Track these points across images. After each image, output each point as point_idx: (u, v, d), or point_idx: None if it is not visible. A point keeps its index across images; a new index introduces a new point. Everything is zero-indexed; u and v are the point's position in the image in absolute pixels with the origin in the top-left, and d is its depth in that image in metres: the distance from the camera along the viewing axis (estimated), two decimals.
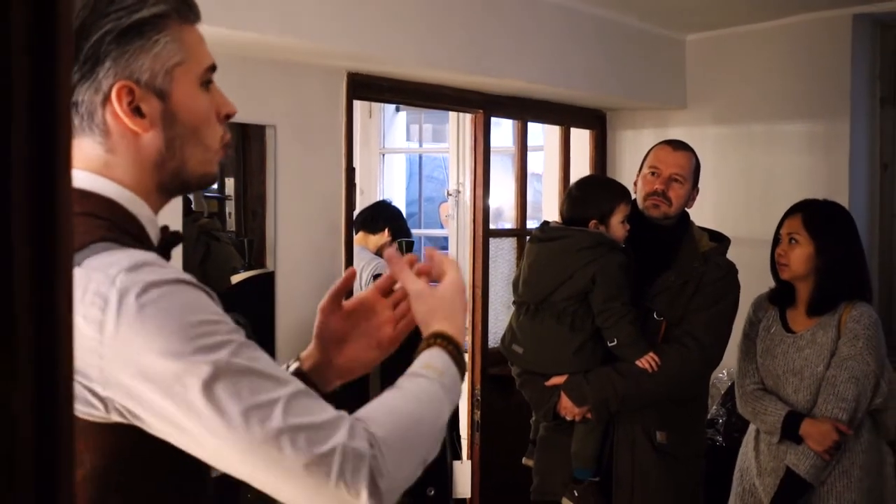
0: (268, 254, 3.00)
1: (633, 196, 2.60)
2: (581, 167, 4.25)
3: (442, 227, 6.09)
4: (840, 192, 3.51)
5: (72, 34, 0.39)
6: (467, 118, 4.05)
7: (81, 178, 0.96)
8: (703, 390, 2.75)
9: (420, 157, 6.87)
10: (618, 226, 2.49)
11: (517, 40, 3.38)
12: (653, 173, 2.57)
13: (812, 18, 3.69)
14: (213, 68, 1.05)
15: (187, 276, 0.90)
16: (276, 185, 2.97)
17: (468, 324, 3.71)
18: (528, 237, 2.74)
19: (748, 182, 3.96)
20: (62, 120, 0.37)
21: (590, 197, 2.52)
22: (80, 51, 0.94)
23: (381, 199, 5.09)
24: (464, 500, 3.68)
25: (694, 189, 2.61)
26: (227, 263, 3.03)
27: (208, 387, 0.83)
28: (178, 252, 1.69)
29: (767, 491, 2.57)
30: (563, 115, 4.18)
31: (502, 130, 5.73)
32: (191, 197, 2.92)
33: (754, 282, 2.75)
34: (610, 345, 2.43)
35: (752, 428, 2.71)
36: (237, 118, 1.13)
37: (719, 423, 3.50)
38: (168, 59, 0.98)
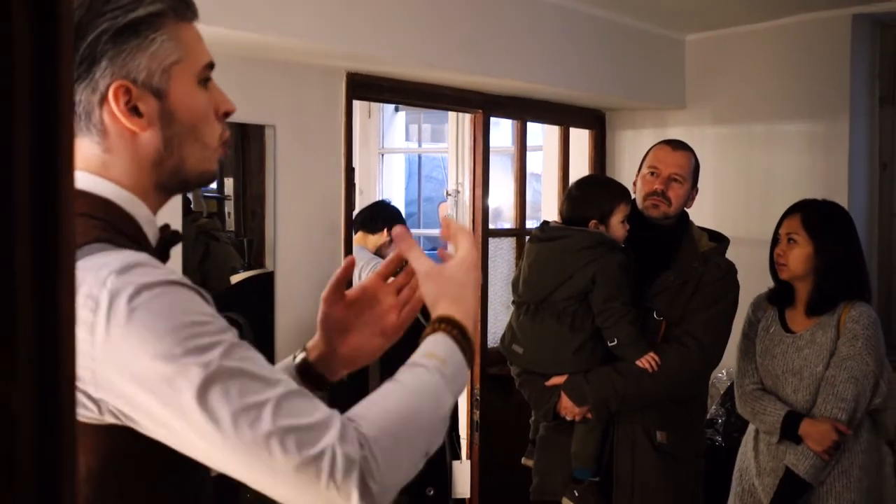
0: (267, 254, 3.00)
1: (633, 196, 2.60)
2: (580, 167, 4.25)
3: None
4: (839, 191, 3.51)
5: (72, 34, 0.39)
6: (466, 118, 4.05)
7: (78, 178, 0.96)
8: (702, 390, 2.75)
9: (419, 157, 6.87)
10: (618, 226, 2.49)
11: (516, 40, 3.38)
12: (652, 173, 2.57)
13: (811, 18, 3.69)
14: (211, 66, 1.04)
15: (179, 277, 0.89)
16: (275, 185, 2.97)
17: None
18: (527, 237, 2.74)
19: (747, 182, 3.96)
20: (64, 119, 0.37)
21: (590, 197, 2.52)
22: (77, 51, 0.93)
23: (381, 199, 5.09)
24: (463, 499, 3.68)
25: (693, 189, 2.61)
26: (226, 263, 3.03)
27: (198, 389, 0.83)
28: (177, 252, 1.69)
29: (767, 491, 2.57)
30: (563, 115, 4.18)
31: (501, 130, 5.72)
32: (190, 197, 2.92)
33: (753, 282, 2.75)
34: (610, 345, 2.43)
35: (751, 428, 2.71)
36: (236, 118, 1.13)
37: (718, 422, 3.50)
38: (165, 57, 0.98)
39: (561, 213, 2.61)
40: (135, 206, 0.99)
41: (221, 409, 0.82)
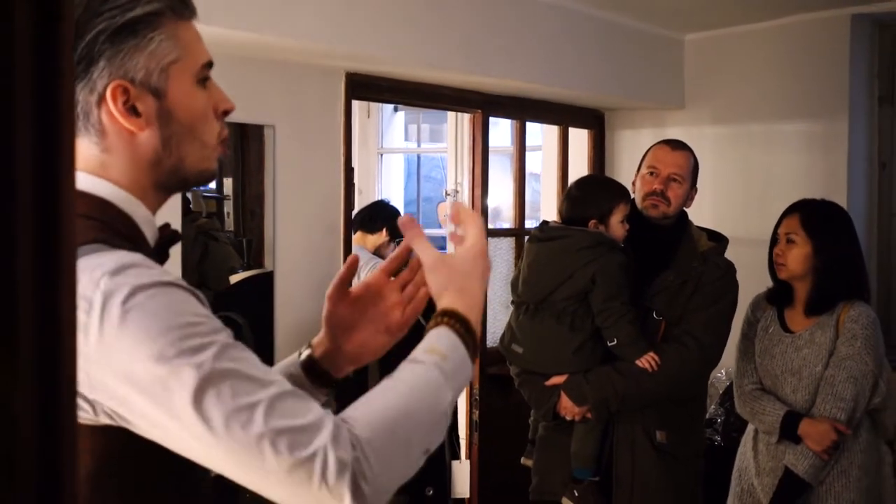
0: (266, 253, 3.00)
1: (632, 196, 2.60)
2: (579, 167, 4.25)
3: (440, 226, 6.09)
4: (838, 191, 3.52)
5: (72, 34, 0.39)
6: (465, 118, 4.05)
7: (76, 178, 0.96)
8: (702, 390, 2.75)
9: (418, 157, 6.87)
10: (617, 225, 2.49)
11: (516, 40, 3.38)
12: (651, 173, 2.57)
13: (810, 18, 3.69)
14: (209, 65, 1.04)
15: (173, 278, 0.89)
16: (274, 185, 2.97)
17: None
18: (526, 237, 2.74)
19: (746, 182, 3.96)
20: (65, 119, 0.37)
21: (589, 197, 2.52)
22: (75, 50, 0.93)
23: (379, 198, 5.09)
24: (462, 499, 3.69)
25: (692, 189, 2.61)
26: (225, 263, 3.03)
27: (190, 391, 0.83)
28: (176, 252, 1.69)
29: (766, 491, 2.58)
30: (562, 114, 4.18)
31: (500, 130, 5.73)
32: (189, 196, 2.92)
33: (752, 282, 2.75)
34: (610, 344, 2.43)
35: (750, 428, 2.71)
36: (236, 118, 1.13)
37: (717, 422, 3.50)
38: (163, 56, 0.97)
39: (560, 212, 2.61)
40: (133, 206, 0.99)
41: (213, 410, 0.82)
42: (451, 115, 4.98)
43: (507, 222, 4.73)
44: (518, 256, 3.91)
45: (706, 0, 3.58)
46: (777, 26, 3.81)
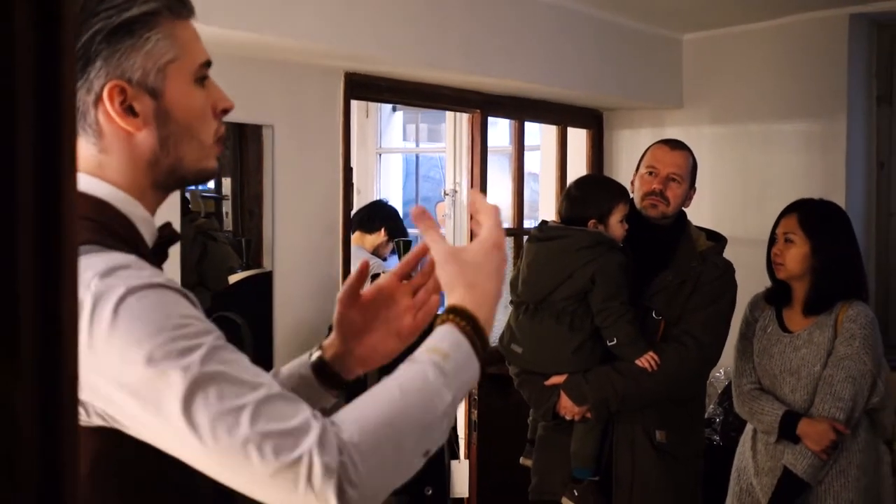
0: (265, 253, 3.00)
1: (631, 196, 2.60)
2: (578, 167, 4.25)
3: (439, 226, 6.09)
4: (836, 191, 3.52)
5: (73, 34, 0.39)
6: (464, 118, 4.05)
7: None
8: (701, 389, 2.76)
9: (417, 157, 6.86)
10: (616, 225, 2.49)
11: (514, 40, 3.38)
12: (650, 173, 2.57)
13: (808, 18, 3.70)
14: (207, 64, 1.03)
15: (163, 279, 0.89)
16: (273, 185, 2.96)
17: None
18: (525, 237, 2.74)
19: (745, 181, 3.96)
20: (67, 119, 0.37)
21: (589, 196, 2.52)
22: None
23: (378, 198, 5.09)
24: (461, 499, 3.68)
25: (691, 189, 2.61)
26: (224, 263, 3.03)
27: (177, 393, 0.82)
28: (175, 252, 1.69)
29: (765, 491, 2.58)
30: (560, 114, 4.18)
31: (499, 130, 5.72)
32: (188, 196, 2.92)
33: (751, 281, 2.75)
34: (609, 344, 2.43)
35: (749, 427, 2.71)
36: (235, 118, 1.12)
37: (716, 422, 3.50)
38: (160, 56, 0.97)
39: (559, 212, 2.61)
40: (130, 206, 0.99)
41: (200, 413, 0.82)
42: (449, 114, 4.98)
43: (505, 222, 4.71)
44: (517, 256, 3.91)
45: (704, 0, 3.58)
46: (775, 26, 3.81)
